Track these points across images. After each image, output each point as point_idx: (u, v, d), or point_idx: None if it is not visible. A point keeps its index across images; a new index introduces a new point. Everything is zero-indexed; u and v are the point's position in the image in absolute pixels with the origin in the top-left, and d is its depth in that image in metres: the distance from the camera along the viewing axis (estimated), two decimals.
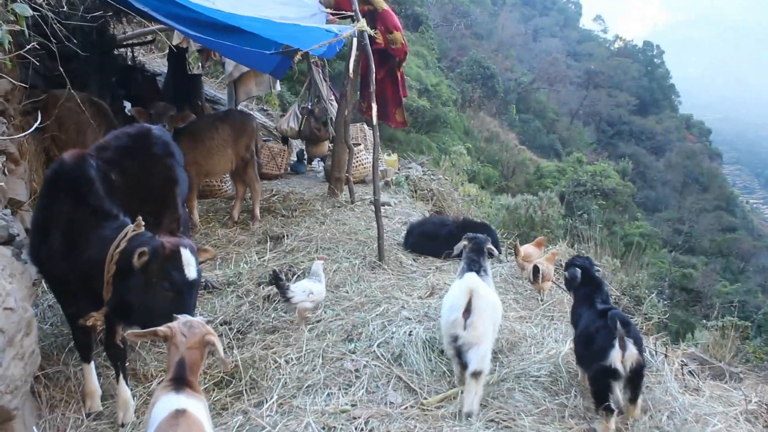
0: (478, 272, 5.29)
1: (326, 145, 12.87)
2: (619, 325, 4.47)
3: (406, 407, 4.70)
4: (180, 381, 3.21)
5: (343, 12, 9.45)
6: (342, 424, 4.42)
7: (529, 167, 43.49)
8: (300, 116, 13.08)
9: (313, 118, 12.94)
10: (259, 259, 7.79)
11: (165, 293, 4.04)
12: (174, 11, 7.54)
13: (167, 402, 3.12)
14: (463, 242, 5.89)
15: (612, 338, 4.46)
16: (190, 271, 4.05)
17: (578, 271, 5.26)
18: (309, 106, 13.07)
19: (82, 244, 4.36)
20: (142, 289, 4.08)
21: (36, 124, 5.09)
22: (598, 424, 4.54)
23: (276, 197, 10.60)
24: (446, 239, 8.28)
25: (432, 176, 15.02)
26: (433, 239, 8.33)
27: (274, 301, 6.59)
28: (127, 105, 11.82)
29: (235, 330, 5.97)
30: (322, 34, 7.75)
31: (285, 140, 13.57)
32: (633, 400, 4.64)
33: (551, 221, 22.92)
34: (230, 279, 7.17)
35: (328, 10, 9.47)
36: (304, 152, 13.75)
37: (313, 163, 13.91)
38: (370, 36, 9.61)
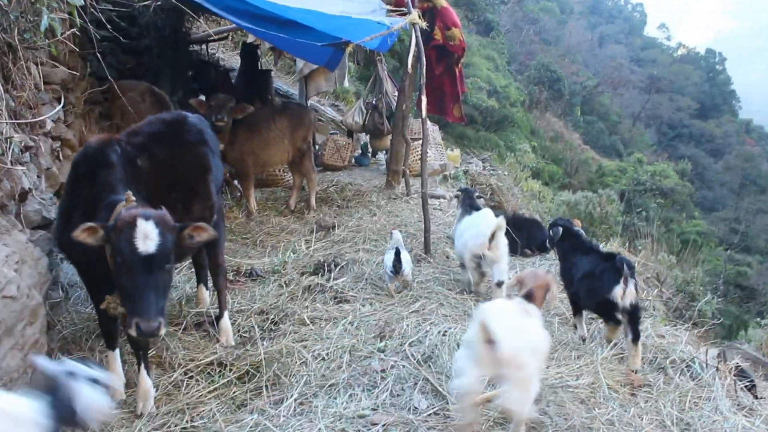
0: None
1: (389, 139, 12.26)
2: (625, 266, 4.86)
3: (431, 414, 4.02)
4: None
5: (404, 9, 8.78)
6: (358, 431, 3.79)
7: (591, 166, 41.99)
8: (364, 111, 12.52)
9: (376, 113, 12.36)
10: (306, 248, 7.21)
11: (120, 269, 3.47)
12: (229, 4, 7.04)
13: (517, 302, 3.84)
14: (458, 193, 7.34)
15: (617, 277, 4.86)
16: (144, 245, 3.41)
17: (560, 228, 5.65)
18: (373, 101, 12.49)
19: None
20: (112, 266, 3.55)
21: (59, 108, 4.60)
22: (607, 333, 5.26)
23: (334, 187, 10.02)
24: None
25: (492, 171, 14.25)
26: None
27: (314, 291, 5.99)
28: (202, 98, 11.47)
29: (269, 321, 5.39)
30: (373, 26, 7.10)
31: (350, 134, 13.03)
32: (635, 340, 4.88)
33: (610, 217, 21.90)
34: (276, 268, 6.60)
35: (389, 6, 8.82)
36: (368, 145, 13.18)
37: (377, 155, 13.32)
38: (428, 32, 8.95)
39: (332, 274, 6.34)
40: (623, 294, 4.83)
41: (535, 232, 7.37)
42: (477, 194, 7.21)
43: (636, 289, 4.91)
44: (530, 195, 22.34)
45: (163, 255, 3.51)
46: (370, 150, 13.21)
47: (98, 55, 6.05)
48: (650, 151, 51.32)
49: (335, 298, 5.87)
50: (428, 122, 13.49)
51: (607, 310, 5.01)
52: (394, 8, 8.71)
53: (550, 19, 61.50)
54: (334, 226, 7.95)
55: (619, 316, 4.92)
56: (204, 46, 13.41)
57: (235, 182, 9.21)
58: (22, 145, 4.62)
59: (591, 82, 55.61)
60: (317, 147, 12.07)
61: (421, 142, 11.49)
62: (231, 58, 15.04)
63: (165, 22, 10.04)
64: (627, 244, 22.31)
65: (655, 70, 64.87)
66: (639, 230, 24.64)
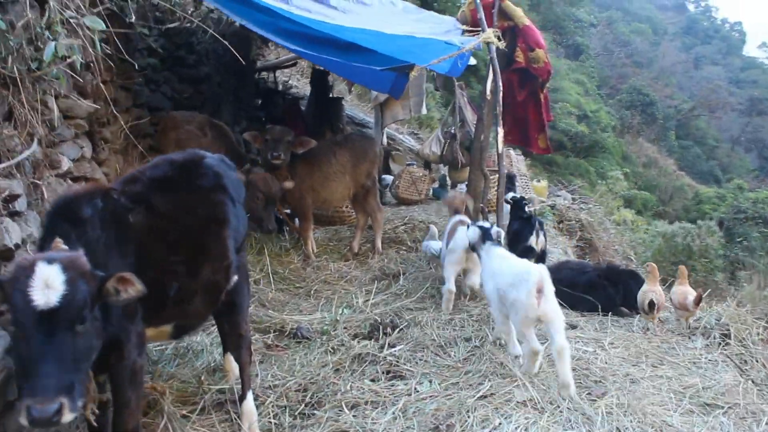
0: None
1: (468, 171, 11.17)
2: (537, 224, 7.16)
3: None
4: None
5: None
6: None
7: (687, 193, 39.41)
8: (443, 140, 11.48)
9: (455, 143, 11.30)
10: (363, 303, 6.17)
11: (15, 333, 2.58)
12: (282, 26, 6.16)
13: None
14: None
15: (532, 231, 7.07)
16: (44, 296, 2.49)
17: (509, 204, 7.76)
18: (452, 130, 11.44)
19: None
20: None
21: (28, 151, 3.72)
22: None
23: (406, 226, 8.93)
24: (586, 289, 6.33)
25: (582, 205, 12.88)
26: (570, 288, 6.36)
27: (365, 362, 4.92)
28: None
29: (304, 403, 4.34)
30: (441, 47, 6.03)
31: (427, 165, 12.00)
32: None
33: (710, 251, 19.83)
34: (325, 327, 5.59)
35: (465, 27, 7.77)
36: (447, 178, 12.10)
37: (457, 188, 12.20)
38: (508, 53, 7.85)
39: (388, 339, 5.27)
40: (536, 242, 7.07)
41: (633, 287, 6.08)
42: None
43: (545, 239, 7.29)
44: (623, 226, 20.70)
45: (72, 310, 2.56)
46: (449, 182, 12.13)
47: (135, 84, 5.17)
48: (751, 176, 47.78)
49: (388, 372, 4.77)
50: (512, 152, 12.45)
51: (527, 254, 6.59)
52: (471, 29, 7.66)
53: (642, 41, 58.89)
54: (399, 275, 6.89)
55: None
56: (272, 74, 12.68)
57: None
58: (6, 193, 3.78)
59: (686, 105, 52.71)
60: (388, 179, 11.12)
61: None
62: (305, 86, 14.27)
63: (226, 48, 9.32)
64: (732, 277, 20.25)
65: (756, 91, 60.79)
66: (743, 263, 22.53)
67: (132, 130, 7.25)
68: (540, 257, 6.99)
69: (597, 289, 6.30)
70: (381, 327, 5.43)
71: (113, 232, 3.22)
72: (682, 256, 19.36)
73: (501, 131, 6.64)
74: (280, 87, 12.96)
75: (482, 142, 8.75)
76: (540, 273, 4.40)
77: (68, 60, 4.33)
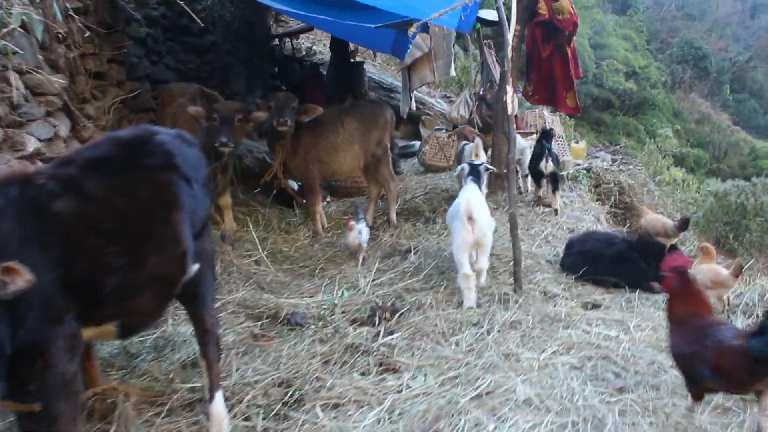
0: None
1: None
2: (546, 150, 8.01)
3: None
4: None
5: None
6: None
7: (743, 148, 37.63)
8: (470, 103, 10.81)
9: (484, 105, 10.63)
10: (367, 283, 5.66)
11: None
12: None
13: None
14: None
15: (542, 157, 8.00)
16: None
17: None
18: (481, 92, 10.76)
19: None
20: None
21: None
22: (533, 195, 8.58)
23: (425, 195, 8.37)
24: (613, 262, 5.72)
25: (622, 166, 12.08)
26: (596, 261, 5.74)
27: (357, 352, 4.44)
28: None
29: (281, 401, 3.85)
30: None
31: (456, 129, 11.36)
32: (554, 191, 8.06)
33: (766, 209, 18.69)
34: (322, 312, 5.11)
35: None
36: None
37: (488, 152, 11.55)
38: (532, 7, 7.20)
39: (387, 325, 4.78)
40: (545, 166, 7.92)
41: None
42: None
43: (553, 163, 7.94)
44: (672, 186, 19.73)
45: None
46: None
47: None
48: None
49: (381, 364, 4.27)
50: (545, 112, 11.72)
51: (539, 176, 8.14)
52: None
53: None
54: (410, 250, 6.37)
55: (544, 181, 8.16)
56: (293, 40, 12.12)
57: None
58: None
59: (742, 56, 50.11)
60: (417, 146, 10.55)
61: (534, 137, 9.71)
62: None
63: (234, 15, 8.82)
64: None
65: None
66: None
67: (131, 104, 6.87)
68: (553, 179, 8.00)
69: (626, 262, 5.66)
70: (379, 312, 4.93)
71: (32, 224, 2.78)
72: (736, 215, 18.34)
73: (510, 90, 6.01)
74: (302, 53, 12.42)
75: (504, 103, 8.12)
76: (467, 204, 5.29)
77: (5, 30, 3.88)
